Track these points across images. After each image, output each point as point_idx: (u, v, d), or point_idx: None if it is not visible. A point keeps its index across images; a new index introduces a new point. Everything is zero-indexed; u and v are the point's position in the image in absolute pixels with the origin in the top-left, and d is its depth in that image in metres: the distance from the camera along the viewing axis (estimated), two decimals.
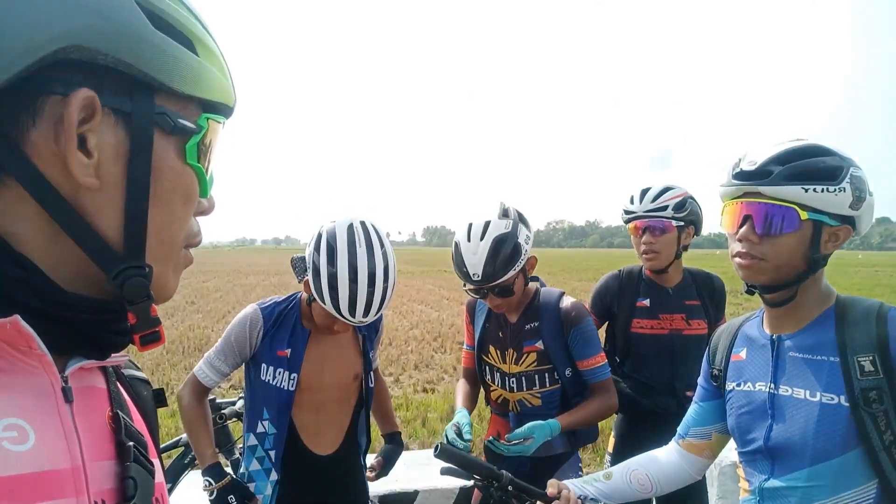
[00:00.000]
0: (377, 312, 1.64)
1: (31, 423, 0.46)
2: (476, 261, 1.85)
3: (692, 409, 1.55)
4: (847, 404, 1.17)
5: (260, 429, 1.83)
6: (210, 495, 1.72)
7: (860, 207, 1.21)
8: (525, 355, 1.99)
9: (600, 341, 2.02)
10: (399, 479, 2.91)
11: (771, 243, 1.23)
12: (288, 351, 1.81)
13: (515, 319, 2.03)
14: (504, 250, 1.84)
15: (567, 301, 1.99)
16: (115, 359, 0.57)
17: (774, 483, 1.27)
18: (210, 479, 1.72)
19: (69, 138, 0.45)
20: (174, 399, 1.87)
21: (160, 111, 0.50)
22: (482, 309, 2.14)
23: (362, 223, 1.66)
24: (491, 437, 1.93)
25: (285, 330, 1.83)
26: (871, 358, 1.17)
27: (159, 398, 0.71)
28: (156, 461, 0.61)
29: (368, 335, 1.95)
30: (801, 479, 1.22)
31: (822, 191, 1.18)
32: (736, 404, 1.38)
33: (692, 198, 2.37)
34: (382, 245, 1.65)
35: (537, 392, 1.99)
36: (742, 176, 1.26)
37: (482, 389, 2.20)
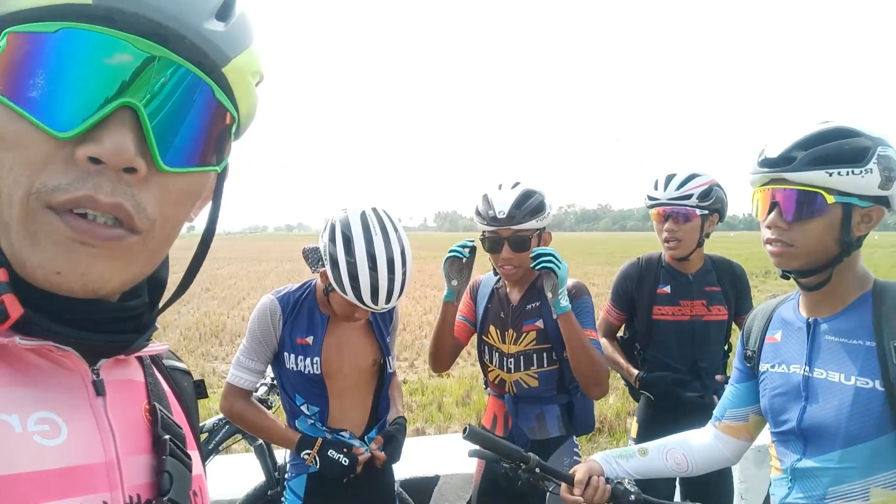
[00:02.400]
0: (398, 297, 1.65)
1: (64, 417, 0.46)
2: (504, 200, 1.96)
3: (728, 391, 1.55)
4: (882, 389, 1.16)
5: (304, 412, 1.85)
6: (315, 463, 1.77)
7: (891, 187, 1.19)
8: (525, 334, 2.01)
9: (595, 321, 2.02)
10: (419, 464, 2.93)
11: (800, 229, 1.22)
12: (309, 339, 1.81)
13: (518, 300, 2.06)
14: (531, 201, 1.96)
15: (568, 281, 1.99)
16: (153, 348, 0.56)
17: (806, 463, 1.27)
18: (307, 451, 1.78)
19: None
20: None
21: None
22: (485, 291, 2.17)
23: (374, 210, 1.67)
24: None
25: (303, 317, 1.83)
26: None
27: (200, 389, 0.70)
28: (194, 453, 0.60)
29: (382, 320, 1.95)
30: (833, 460, 1.22)
31: (847, 174, 1.16)
32: (770, 385, 1.37)
33: (718, 185, 2.34)
34: (396, 230, 1.66)
35: (534, 372, 2.01)
36: (766, 163, 1.25)
37: (481, 371, 2.20)
